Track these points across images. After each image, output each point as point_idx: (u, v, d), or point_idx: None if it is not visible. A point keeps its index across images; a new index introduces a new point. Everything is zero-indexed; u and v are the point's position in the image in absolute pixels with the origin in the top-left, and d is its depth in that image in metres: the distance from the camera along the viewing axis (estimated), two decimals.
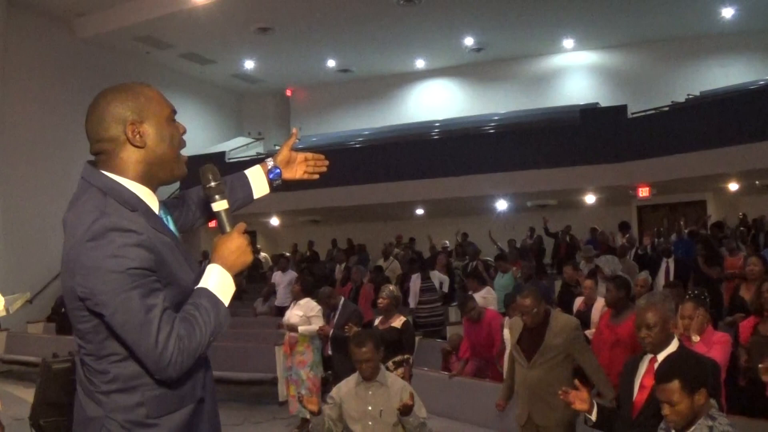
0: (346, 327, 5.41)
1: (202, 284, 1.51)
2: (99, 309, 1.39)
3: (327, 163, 2.02)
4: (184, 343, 1.40)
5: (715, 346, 3.64)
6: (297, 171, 1.97)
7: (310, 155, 2.00)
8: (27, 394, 6.54)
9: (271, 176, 1.92)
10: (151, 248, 1.42)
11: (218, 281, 1.51)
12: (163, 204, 1.64)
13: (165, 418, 1.48)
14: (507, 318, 5.30)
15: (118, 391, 1.46)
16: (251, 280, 13.19)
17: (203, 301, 1.47)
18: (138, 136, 1.50)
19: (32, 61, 12.39)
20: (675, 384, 2.24)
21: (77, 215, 1.43)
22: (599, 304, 6.11)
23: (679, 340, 2.82)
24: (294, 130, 2.04)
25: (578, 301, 6.45)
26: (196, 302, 1.47)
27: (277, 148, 18.56)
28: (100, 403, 1.47)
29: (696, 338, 3.75)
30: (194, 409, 1.55)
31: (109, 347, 1.45)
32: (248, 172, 1.93)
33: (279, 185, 1.95)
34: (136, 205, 1.48)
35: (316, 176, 2.00)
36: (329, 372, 6.41)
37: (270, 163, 1.94)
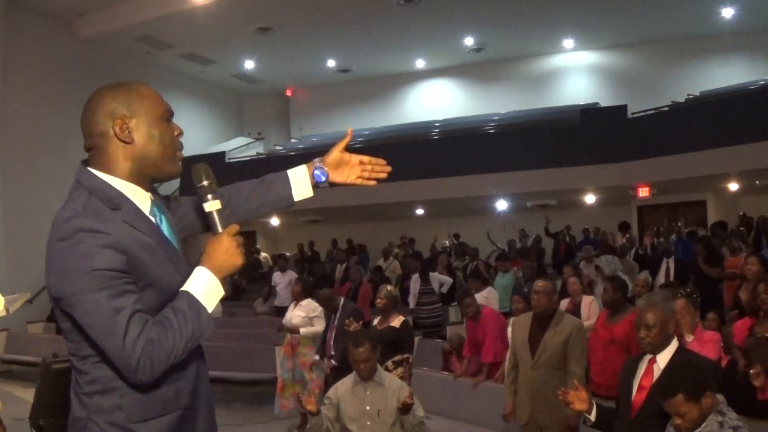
0: (346, 322, 5.38)
1: (185, 287, 1.47)
2: (69, 310, 1.38)
3: (389, 169, 1.83)
4: (154, 348, 1.35)
5: (707, 345, 3.66)
6: (349, 175, 1.80)
7: (366, 158, 1.82)
8: (27, 394, 6.53)
9: (317, 179, 1.78)
10: (123, 249, 1.39)
11: (203, 285, 1.47)
12: (159, 202, 1.61)
13: (145, 424, 1.45)
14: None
15: (98, 393, 1.44)
16: (251, 280, 13.20)
17: (182, 304, 1.43)
18: (126, 131, 1.48)
19: (32, 61, 12.39)
20: (679, 398, 2.27)
21: (57, 215, 1.43)
22: (587, 301, 6.11)
23: (678, 340, 2.83)
24: (349, 130, 1.85)
25: (565, 303, 6.43)
26: (175, 306, 1.43)
27: (277, 148, 18.48)
28: (84, 404, 1.46)
29: (690, 338, 3.77)
30: (180, 417, 1.51)
31: (87, 348, 1.43)
32: (291, 171, 1.79)
33: (325, 187, 1.81)
34: (120, 203, 1.46)
35: (373, 182, 1.81)
36: (328, 374, 6.40)
37: (317, 163, 1.79)
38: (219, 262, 1.49)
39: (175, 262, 1.54)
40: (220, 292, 1.49)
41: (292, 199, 1.79)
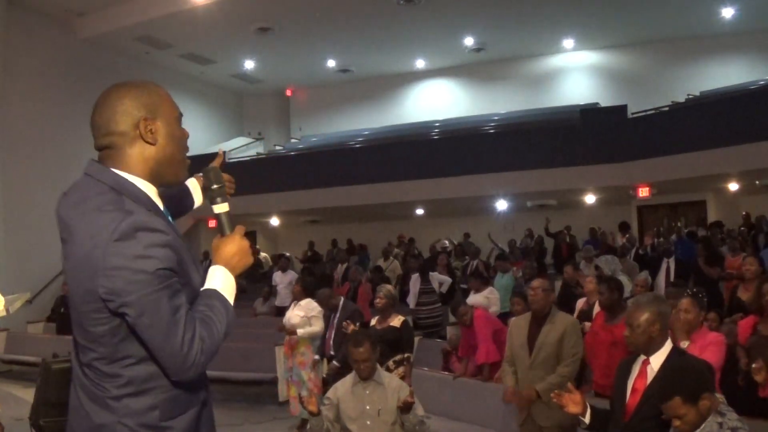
0: (344, 324, 5.39)
1: (209, 285, 1.51)
2: (124, 310, 1.36)
3: (234, 188, 2.06)
4: (206, 344, 1.41)
5: (709, 347, 3.62)
6: None
7: (228, 177, 2.06)
8: (27, 394, 6.54)
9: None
10: (175, 248, 1.41)
11: (224, 282, 1.52)
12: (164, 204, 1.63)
13: (176, 420, 1.48)
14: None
15: (131, 395, 1.44)
16: (251, 280, 13.18)
17: (215, 302, 1.49)
18: (150, 132, 1.49)
19: (32, 61, 12.39)
20: (677, 401, 2.27)
21: (91, 214, 1.40)
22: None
23: (673, 342, 2.82)
24: (220, 152, 2.11)
25: (581, 302, 6.45)
26: (209, 303, 1.48)
27: (277, 148, 18.36)
28: (111, 409, 1.44)
29: (685, 343, 3.71)
30: (199, 412, 1.55)
31: (124, 350, 1.43)
32: (188, 182, 1.96)
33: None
34: (149, 204, 1.47)
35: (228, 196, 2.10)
36: (329, 374, 6.40)
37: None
38: (234, 262, 1.55)
39: (195, 261, 1.58)
40: (234, 289, 1.56)
41: (193, 207, 1.97)
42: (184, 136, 1.59)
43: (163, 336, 1.36)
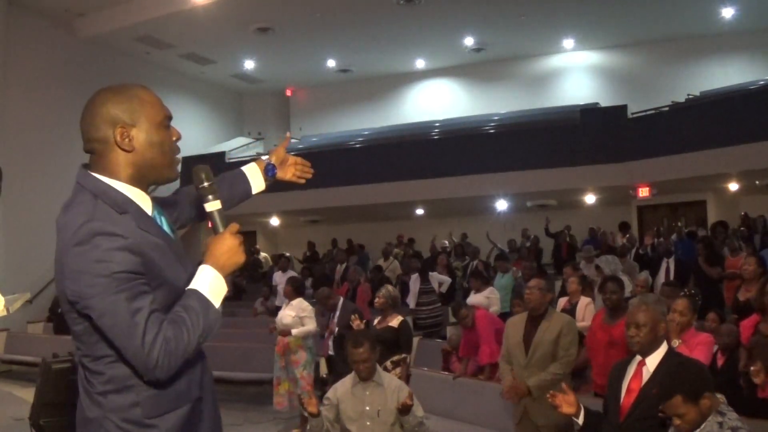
0: (352, 317, 5.36)
1: (192, 285, 1.51)
2: (87, 312, 1.41)
3: (312, 171, 2.11)
4: (171, 346, 1.40)
5: (698, 348, 3.64)
6: (288, 172, 2.06)
7: (299, 159, 2.09)
8: (27, 394, 6.55)
9: (269, 174, 1.99)
10: (138, 251, 1.42)
11: (209, 282, 1.51)
12: (157, 204, 1.64)
13: (161, 418, 1.49)
14: None
15: (114, 392, 1.48)
16: (251, 280, 13.19)
17: (193, 302, 1.47)
18: (127, 139, 1.50)
19: (32, 62, 12.38)
20: (678, 399, 2.27)
21: (67, 219, 1.45)
22: (583, 302, 6.10)
23: (668, 343, 2.82)
24: (288, 134, 2.18)
25: (562, 301, 6.43)
26: (186, 304, 1.47)
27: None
28: (98, 404, 1.49)
29: (677, 342, 3.72)
30: (192, 409, 1.56)
31: (102, 349, 1.46)
32: (245, 168, 1.99)
33: (272, 182, 2.02)
34: (127, 207, 1.49)
35: (303, 181, 2.09)
36: (329, 374, 6.39)
37: (267, 160, 2.02)
38: (222, 261, 1.53)
39: (181, 260, 1.58)
40: (224, 289, 1.54)
41: (251, 193, 1.98)
42: (168, 139, 1.58)
43: (124, 337, 1.39)
